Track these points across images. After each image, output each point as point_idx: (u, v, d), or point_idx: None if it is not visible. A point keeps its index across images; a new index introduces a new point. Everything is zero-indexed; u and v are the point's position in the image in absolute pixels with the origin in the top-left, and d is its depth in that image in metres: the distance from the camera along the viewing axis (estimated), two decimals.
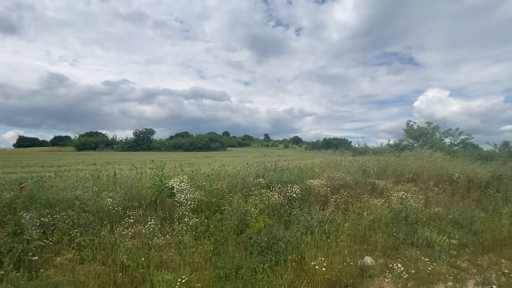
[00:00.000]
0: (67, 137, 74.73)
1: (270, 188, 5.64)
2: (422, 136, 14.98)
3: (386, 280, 3.62)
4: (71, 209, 4.32)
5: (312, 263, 3.35)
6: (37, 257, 3.44)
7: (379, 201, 5.28)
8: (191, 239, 3.96)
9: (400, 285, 3.43)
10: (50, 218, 4.05)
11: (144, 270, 3.25)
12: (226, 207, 4.79)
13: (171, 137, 72.87)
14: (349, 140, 56.56)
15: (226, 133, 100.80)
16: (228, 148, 64.43)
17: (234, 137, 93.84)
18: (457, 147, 13.99)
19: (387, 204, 5.37)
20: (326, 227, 4.26)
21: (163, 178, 5.42)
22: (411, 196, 5.71)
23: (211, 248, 3.77)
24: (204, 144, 58.43)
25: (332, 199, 5.45)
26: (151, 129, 56.84)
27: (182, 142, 57.97)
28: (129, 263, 3.30)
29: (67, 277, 3.03)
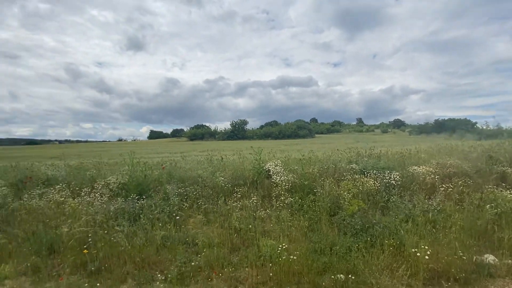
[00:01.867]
0: (182, 130, 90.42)
1: (364, 174, 5.50)
2: None
3: None
4: (196, 184, 5.60)
5: (413, 250, 3.23)
6: (178, 217, 4.72)
7: (508, 193, 4.31)
8: (287, 214, 4.47)
9: None
10: (183, 190, 5.40)
11: (252, 234, 3.96)
12: (318, 190, 5.04)
13: (261, 127, 77.40)
14: (473, 121, 45.16)
15: (313, 120, 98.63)
16: (316, 135, 63.18)
17: (322, 123, 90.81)
18: None
19: None
20: (430, 215, 3.91)
21: (261, 162, 6.17)
22: None
23: (306, 224, 4.16)
24: (292, 131, 59.34)
25: (442, 188, 4.82)
26: (244, 120, 62.22)
27: (272, 131, 60.80)
28: (241, 226, 4.09)
29: (200, 232, 4.08)
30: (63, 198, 5.41)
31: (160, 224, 4.33)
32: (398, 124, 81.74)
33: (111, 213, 4.71)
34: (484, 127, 18.22)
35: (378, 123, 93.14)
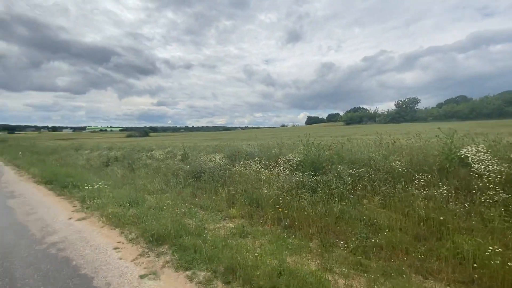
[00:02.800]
0: (337, 114, 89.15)
1: None
2: None
3: None
4: (368, 167, 5.54)
5: None
6: (352, 196, 4.92)
7: None
8: (498, 214, 3.48)
9: None
10: (355, 171, 5.51)
11: (449, 225, 3.46)
12: None
13: (440, 105, 61.13)
14: None
15: None
16: None
17: None
18: None
19: None
20: None
21: (452, 147, 5.06)
22: None
23: None
24: (495, 108, 42.33)
25: None
26: (415, 98, 51.76)
27: (457, 109, 46.47)
28: (433, 215, 3.68)
29: (377, 213, 4.08)
30: (258, 169, 7.13)
31: (336, 199, 4.73)
32: None
33: (293, 183, 5.69)
34: None
35: None
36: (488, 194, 3.88)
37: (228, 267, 2.93)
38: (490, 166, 4.30)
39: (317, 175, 5.68)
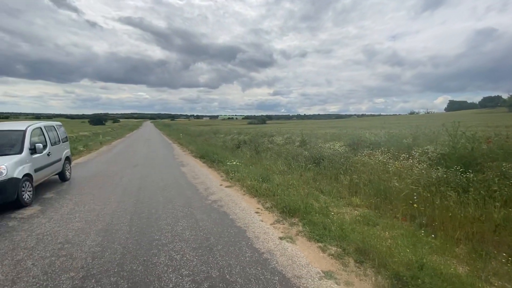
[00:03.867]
0: (498, 97, 66.73)
1: None
2: None
3: None
4: None
5: None
6: None
7: None
8: None
9: None
10: None
11: None
12: None
13: None
14: None
15: None
16: None
17: None
18: None
19: None
20: None
21: None
22: None
23: None
24: None
25: None
26: None
27: None
28: None
29: None
30: (385, 160, 6.59)
31: (497, 203, 3.80)
32: None
33: (433, 179, 4.94)
34: None
35: None
36: None
37: (359, 248, 3.06)
38: None
39: (469, 172, 4.69)
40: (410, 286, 2.32)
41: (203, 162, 10.27)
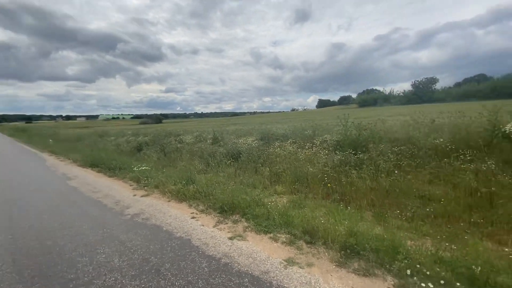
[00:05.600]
0: (349, 97, 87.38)
1: None
2: None
3: None
4: (409, 145, 5.75)
5: None
6: (396, 172, 5.19)
7: None
8: None
9: None
10: (397, 149, 5.75)
11: (499, 192, 3.72)
12: None
13: (458, 84, 59.01)
14: None
15: None
16: None
17: None
18: None
19: None
20: None
21: (496, 123, 5.20)
22: None
23: None
24: None
25: None
26: (433, 78, 50.13)
27: (478, 89, 44.75)
28: (483, 186, 3.94)
29: (426, 187, 4.36)
30: (294, 149, 7.45)
31: (383, 175, 5.02)
32: None
33: (337, 161, 5.99)
34: None
35: None
36: None
37: (305, 230, 3.32)
38: None
39: (359, 153, 5.96)
40: (359, 251, 2.72)
41: (98, 172, 8.45)
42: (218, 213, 4.20)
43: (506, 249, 2.94)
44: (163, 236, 3.46)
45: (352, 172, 5.28)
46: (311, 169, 5.76)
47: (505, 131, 5.02)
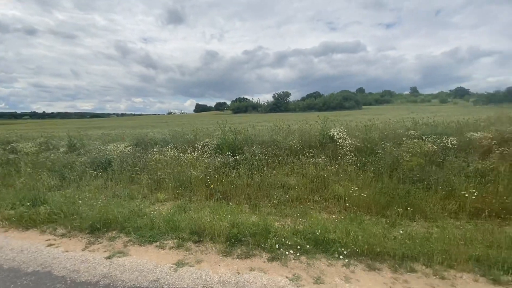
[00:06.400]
0: (224, 103, 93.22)
1: (422, 139, 6.27)
2: None
3: None
4: (273, 146, 7.04)
5: (462, 192, 4.20)
6: (265, 168, 6.24)
7: None
8: (354, 169, 5.64)
9: None
10: (265, 150, 6.88)
11: (332, 178, 5.27)
12: (380, 152, 6.03)
13: (303, 98, 76.28)
14: None
15: (360, 90, 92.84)
16: (364, 107, 60.13)
17: (370, 93, 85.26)
18: None
19: None
20: (479, 167, 4.72)
21: (326, 129, 7.30)
22: None
23: (371, 175, 5.30)
24: (337, 103, 57.52)
25: (497, 152, 5.42)
26: (287, 92, 62.06)
27: (315, 103, 59.77)
28: (318, 175, 5.42)
29: (285, 179, 5.54)
30: (175, 154, 7.36)
31: (255, 172, 5.90)
32: (461, 93, 72.55)
33: (217, 163, 6.44)
34: None
35: (436, 92, 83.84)
36: (347, 158, 6.10)
37: (192, 231, 3.45)
38: (347, 141, 6.64)
39: (236, 155, 6.68)
40: (241, 238, 3.14)
41: None
42: (87, 233, 3.57)
43: (334, 216, 4.26)
44: (5, 277, 2.59)
45: (232, 172, 5.87)
46: (194, 173, 5.91)
47: (330, 134, 7.15)
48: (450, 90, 79.80)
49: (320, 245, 3.12)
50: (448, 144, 5.79)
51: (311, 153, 6.58)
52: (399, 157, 5.68)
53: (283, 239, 3.20)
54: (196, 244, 3.23)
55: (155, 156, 7.29)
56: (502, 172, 4.79)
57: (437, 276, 2.54)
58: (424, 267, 2.69)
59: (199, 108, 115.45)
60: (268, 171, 6.06)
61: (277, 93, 62.87)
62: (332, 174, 5.72)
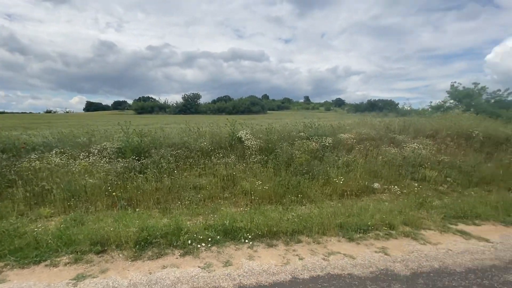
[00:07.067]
0: (125, 102, 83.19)
1: (309, 139, 7.71)
2: (466, 98, 14.90)
3: (386, 195, 5.63)
4: (184, 148, 7.03)
5: (335, 180, 5.51)
6: (176, 171, 6.19)
7: (393, 150, 7.01)
8: (258, 167, 6.38)
9: (394, 196, 5.41)
10: (175, 152, 6.79)
11: (240, 175, 5.77)
12: (278, 150, 7.04)
13: (214, 101, 77.23)
14: (396, 102, 53.92)
15: (265, 96, 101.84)
16: (268, 112, 66.29)
17: (273, 100, 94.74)
18: (503, 110, 13.83)
19: (400, 152, 7.07)
20: (345, 159, 6.31)
21: (234, 131, 7.87)
22: (423, 147, 7.27)
23: (272, 171, 6.14)
24: (246, 107, 61.12)
25: (357, 148, 7.32)
26: (197, 94, 61.26)
27: (226, 106, 61.52)
28: (228, 174, 5.85)
29: (197, 180, 5.71)
30: (63, 161, 6.28)
31: (165, 176, 5.79)
32: (339, 103, 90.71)
33: (120, 169, 5.90)
34: (407, 107, 22.47)
35: (323, 101, 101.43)
36: (253, 157, 6.82)
37: (93, 243, 3.16)
38: (252, 142, 7.39)
39: (142, 159, 6.32)
40: (151, 240, 3.13)
41: None
42: None
43: (241, 209, 4.75)
44: None
45: (139, 176, 5.55)
46: (91, 181, 5.25)
47: (239, 136, 7.76)
48: (332, 100, 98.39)
49: (229, 234, 3.49)
50: (326, 143, 7.37)
51: (222, 153, 6.98)
52: (293, 155, 6.82)
53: (195, 235, 3.39)
54: (100, 255, 3.00)
55: (33, 164, 5.99)
56: (359, 163, 6.52)
57: (315, 242, 3.35)
58: (307, 237, 3.47)
59: (92, 107, 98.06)
60: (179, 174, 6.05)
61: (187, 94, 61.05)
62: (240, 172, 6.28)
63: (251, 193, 5.30)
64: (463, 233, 3.71)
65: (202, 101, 64.92)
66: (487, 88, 14.96)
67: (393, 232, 3.69)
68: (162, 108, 60.60)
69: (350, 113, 58.91)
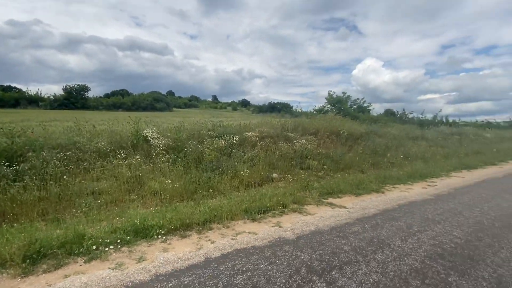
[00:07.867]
0: None
1: (218, 138, 8.18)
2: (338, 103, 19.24)
3: (282, 182, 6.73)
4: (75, 150, 6.12)
5: (241, 173, 6.17)
6: (65, 176, 5.38)
7: (287, 145, 8.39)
8: (167, 166, 6.33)
9: (287, 183, 6.54)
10: (62, 155, 5.83)
11: (147, 176, 5.57)
12: (188, 149, 7.17)
13: (108, 95, 67.09)
14: (291, 105, 62.14)
15: (170, 93, 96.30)
16: (174, 109, 63.03)
17: (180, 97, 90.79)
18: (360, 113, 18.74)
19: (292, 147, 8.53)
20: (250, 155, 7.12)
21: (138, 129, 7.41)
22: (308, 142, 9.02)
23: (182, 169, 6.24)
24: (148, 104, 56.02)
25: (259, 144, 8.32)
26: (85, 86, 51.45)
27: (123, 101, 54.39)
28: (132, 175, 5.56)
29: (95, 184, 5.17)
30: None
31: (52, 183, 4.95)
32: (245, 104, 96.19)
33: None
34: (298, 110, 26.43)
35: (230, 101, 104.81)
36: (161, 156, 6.67)
37: None
38: (159, 141, 7.20)
39: (15, 164, 5.17)
40: (45, 253, 2.79)
41: None
42: None
43: (151, 209, 4.69)
44: None
45: (14, 185, 4.53)
46: None
47: (144, 135, 7.37)
48: (238, 101, 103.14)
49: (141, 233, 3.49)
50: (234, 141, 8.03)
51: (124, 154, 6.49)
52: (203, 152, 7.11)
53: (100, 239, 3.22)
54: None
55: None
56: (261, 157, 7.48)
57: (225, 227, 3.81)
58: (218, 224, 3.89)
59: None
60: (72, 179, 5.30)
61: (69, 86, 49.96)
62: (148, 172, 6.07)
63: (160, 193, 5.28)
64: (331, 204, 5.03)
65: (91, 94, 54.90)
66: (351, 96, 19.75)
67: (285, 209, 4.60)
68: (34, 102, 47.65)
69: (254, 113, 63.69)
